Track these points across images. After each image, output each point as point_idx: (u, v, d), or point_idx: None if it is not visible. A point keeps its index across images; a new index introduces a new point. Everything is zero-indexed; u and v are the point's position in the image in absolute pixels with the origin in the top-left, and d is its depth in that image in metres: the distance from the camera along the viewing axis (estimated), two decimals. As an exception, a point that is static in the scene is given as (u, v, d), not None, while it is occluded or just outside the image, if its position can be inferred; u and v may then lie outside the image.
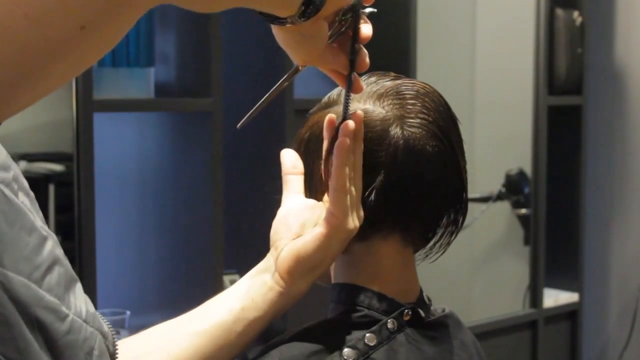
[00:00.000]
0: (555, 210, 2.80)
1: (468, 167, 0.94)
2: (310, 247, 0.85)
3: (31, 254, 0.58)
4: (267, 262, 0.88)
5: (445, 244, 0.94)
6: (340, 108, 0.89)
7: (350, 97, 0.84)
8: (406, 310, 0.89)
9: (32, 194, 0.63)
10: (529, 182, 2.74)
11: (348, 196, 0.83)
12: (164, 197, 2.07)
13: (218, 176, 1.94)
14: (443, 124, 0.90)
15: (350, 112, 0.86)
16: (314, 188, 0.92)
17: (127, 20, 0.53)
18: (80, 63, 0.53)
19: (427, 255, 0.94)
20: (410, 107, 0.89)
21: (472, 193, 2.93)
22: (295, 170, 0.91)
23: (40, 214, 0.63)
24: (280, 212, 0.90)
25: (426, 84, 0.92)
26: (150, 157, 2.10)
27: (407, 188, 0.88)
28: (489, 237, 2.88)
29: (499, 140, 2.84)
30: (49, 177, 1.83)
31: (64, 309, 0.59)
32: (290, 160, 0.91)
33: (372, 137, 0.87)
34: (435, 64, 2.54)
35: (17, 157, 1.83)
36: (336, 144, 0.82)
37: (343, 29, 0.82)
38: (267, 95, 0.87)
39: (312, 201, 0.90)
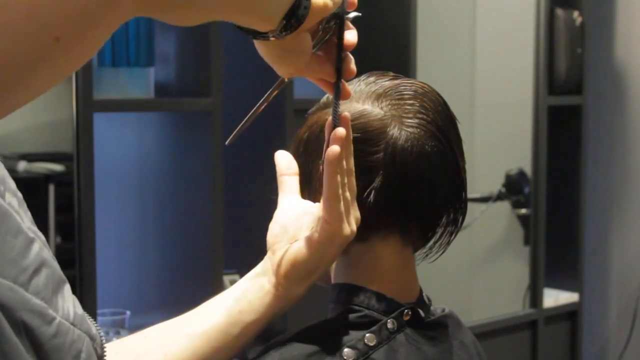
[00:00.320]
0: (555, 210, 2.80)
1: (468, 167, 0.94)
2: (306, 253, 0.85)
3: (17, 257, 0.57)
4: (264, 266, 0.88)
5: (445, 243, 0.94)
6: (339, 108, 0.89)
7: (339, 105, 0.82)
8: (406, 310, 0.89)
9: (19, 194, 0.62)
10: (529, 182, 2.74)
11: (342, 202, 0.82)
12: (164, 197, 2.07)
13: (218, 176, 1.94)
14: (442, 124, 0.90)
15: (347, 112, 0.86)
16: (313, 189, 0.92)
17: (103, 31, 0.52)
18: (56, 74, 0.52)
19: (426, 255, 0.94)
20: (408, 107, 0.89)
21: (472, 193, 2.95)
22: (289, 171, 0.91)
23: (29, 214, 0.63)
24: (277, 215, 0.90)
25: (425, 84, 0.92)
26: (150, 157, 2.10)
27: (406, 188, 0.88)
28: (489, 237, 2.88)
29: (499, 140, 2.84)
30: (49, 177, 1.83)
31: (50, 312, 0.59)
32: (285, 161, 0.91)
33: (371, 138, 0.87)
34: (435, 64, 2.54)
35: (17, 157, 1.83)
36: (326, 153, 0.81)
37: (327, 36, 0.81)
38: (254, 109, 0.86)
39: (308, 203, 0.90)
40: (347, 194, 0.83)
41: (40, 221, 1.78)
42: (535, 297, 2.73)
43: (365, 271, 0.91)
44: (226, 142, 0.87)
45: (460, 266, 2.74)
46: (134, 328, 1.80)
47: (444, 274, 2.42)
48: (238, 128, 0.87)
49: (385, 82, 0.91)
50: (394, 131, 0.87)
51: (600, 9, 2.98)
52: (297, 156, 0.94)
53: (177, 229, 2.04)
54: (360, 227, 0.87)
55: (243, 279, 0.89)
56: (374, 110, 0.89)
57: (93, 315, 1.76)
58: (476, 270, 2.87)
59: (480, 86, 2.79)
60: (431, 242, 0.93)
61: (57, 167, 1.85)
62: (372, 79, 0.92)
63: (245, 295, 0.86)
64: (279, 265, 0.86)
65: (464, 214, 0.94)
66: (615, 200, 3.02)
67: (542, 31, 2.67)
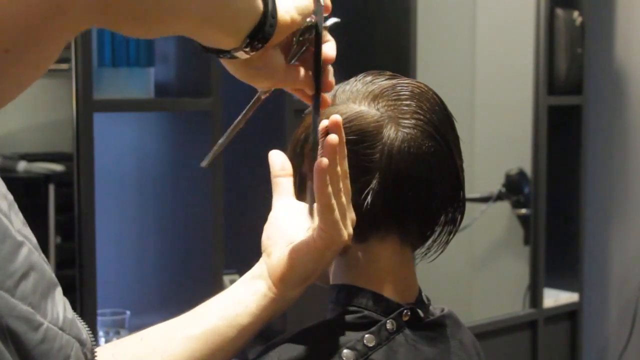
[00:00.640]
0: (555, 210, 2.80)
1: (468, 167, 0.94)
2: (303, 258, 0.84)
3: (3, 262, 0.57)
4: (260, 269, 0.88)
5: (444, 243, 0.93)
6: (335, 109, 0.89)
7: (319, 117, 0.81)
8: (405, 311, 0.89)
9: (10, 196, 0.62)
10: (529, 182, 2.74)
11: (336, 210, 0.82)
12: (164, 197, 2.07)
13: (218, 176, 1.94)
14: (439, 124, 0.89)
15: (343, 114, 0.86)
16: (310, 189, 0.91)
17: (54, 41, 0.52)
18: (12, 86, 0.52)
19: (425, 255, 0.94)
20: (405, 107, 0.89)
21: (472, 193, 2.94)
22: (283, 172, 0.91)
23: (20, 215, 0.62)
24: (272, 217, 0.90)
25: (422, 84, 0.92)
26: (150, 157, 2.10)
27: (403, 189, 0.87)
28: (489, 237, 2.88)
29: (499, 140, 2.84)
30: (49, 177, 1.83)
31: (38, 317, 0.58)
32: (279, 162, 0.91)
33: (367, 139, 0.87)
34: (435, 64, 2.54)
35: (17, 157, 1.83)
36: (315, 165, 0.79)
37: (303, 48, 0.80)
38: (230, 129, 0.85)
39: (302, 204, 0.90)
40: (342, 199, 0.82)
41: (40, 221, 1.79)
42: (535, 297, 2.74)
43: (364, 272, 0.91)
44: (202, 164, 0.86)
45: (460, 266, 2.74)
46: (134, 328, 1.80)
47: (444, 274, 2.42)
48: (214, 148, 0.85)
49: (382, 82, 0.91)
50: (391, 132, 0.87)
51: (600, 9, 2.98)
52: (294, 157, 0.94)
53: (177, 229, 2.04)
54: (359, 228, 0.87)
55: (238, 281, 0.89)
56: (371, 111, 0.89)
57: (93, 315, 1.76)
58: (476, 270, 2.87)
59: (480, 86, 2.79)
60: (430, 242, 0.93)
61: (57, 167, 1.85)
62: (369, 78, 0.92)
63: (242, 299, 0.86)
64: (275, 268, 0.86)
65: (462, 213, 0.94)
66: (615, 200, 3.02)
67: (542, 31, 2.67)
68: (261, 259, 0.89)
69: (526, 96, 2.70)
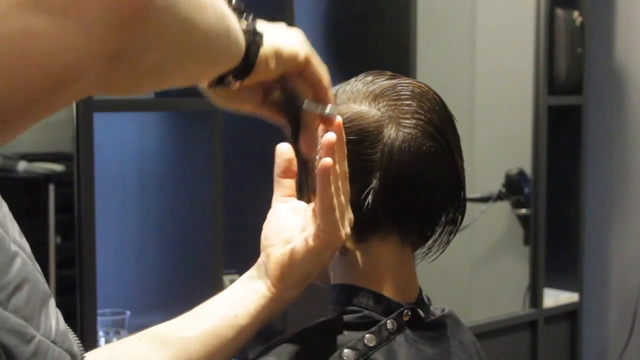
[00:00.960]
0: (555, 210, 2.80)
1: (468, 167, 0.94)
2: (302, 258, 0.84)
3: None
4: (258, 269, 0.88)
5: (444, 243, 0.93)
6: (336, 109, 0.89)
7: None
8: (405, 311, 0.89)
9: (5, 207, 0.62)
10: (529, 182, 2.74)
11: (336, 210, 0.82)
12: (164, 197, 2.07)
13: (218, 176, 1.94)
14: (439, 124, 0.89)
15: (344, 114, 0.87)
16: (311, 186, 0.91)
17: (56, 109, 0.52)
18: (7, 137, 0.52)
19: (426, 255, 0.94)
20: (405, 107, 0.89)
21: (472, 193, 2.94)
22: (287, 172, 0.90)
23: (16, 226, 0.62)
24: (270, 216, 0.89)
25: (422, 84, 0.92)
26: (150, 157, 2.10)
27: (404, 189, 0.87)
28: (489, 237, 2.88)
29: (499, 140, 2.84)
30: (49, 177, 1.83)
31: (30, 330, 0.58)
32: (284, 162, 0.90)
33: (368, 139, 0.87)
34: (435, 64, 2.54)
35: (17, 157, 1.83)
36: (319, 166, 0.80)
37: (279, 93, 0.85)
38: None
39: (301, 204, 0.90)
40: (342, 198, 0.83)
41: (40, 221, 1.79)
42: (535, 297, 2.74)
43: (365, 272, 0.91)
44: None
45: (460, 266, 2.74)
46: (134, 328, 1.80)
47: (444, 274, 2.42)
48: None
49: (382, 82, 0.91)
50: (391, 132, 0.87)
51: (600, 9, 2.98)
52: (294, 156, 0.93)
53: (177, 228, 2.04)
54: (359, 228, 0.87)
55: (237, 281, 0.89)
56: (371, 111, 0.89)
57: (93, 315, 1.76)
58: (476, 270, 2.87)
59: (480, 86, 2.79)
60: (430, 242, 0.93)
61: (57, 167, 1.85)
62: (369, 78, 0.92)
63: (240, 299, 0.86)
64: (274, 269, 0.86)
65: (463, 213, 0.94)
66: (615, 200, 3.02)
67: (542, 31, 2.67)
68: (260, 259, 0.89)
69: (526, 96, 2.70)
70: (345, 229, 0.84)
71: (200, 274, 1.98)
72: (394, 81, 0.91)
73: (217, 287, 1.91)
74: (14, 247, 0.59)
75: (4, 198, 0.62)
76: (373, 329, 0.87)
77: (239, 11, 0.73)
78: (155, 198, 2.10)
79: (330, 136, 0.80)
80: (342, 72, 0.97)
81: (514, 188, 2.77)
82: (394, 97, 0.89)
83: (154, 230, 2.11)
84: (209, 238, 1.95)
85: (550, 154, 2.72)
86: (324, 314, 0.92)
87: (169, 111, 2.04)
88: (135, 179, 2.13)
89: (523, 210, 2.78)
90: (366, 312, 0.88)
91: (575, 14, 2.76)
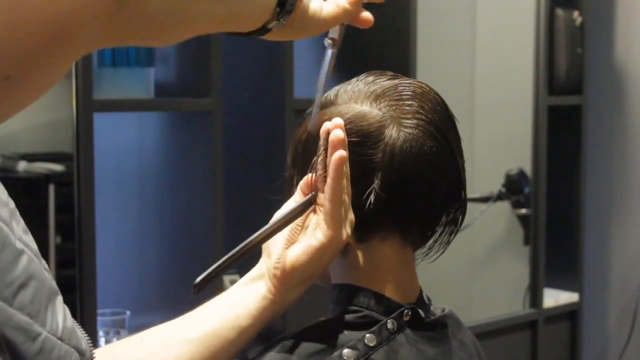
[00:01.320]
0: (555, 210, 2.80)
1: (468, 167, 0.94)
2: (305, 259, 0.84)
3: (1, 271, 0.56)
4: (259, 270, 0.88)
5: (445, 243, 0.94)
6: (337, 109, 0.89)
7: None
8: (406, 311, 0.89)
9: (12, 204, 0.61)
10: (529, 182, 2.74)
11: (342, 207, 0.82)
12: (164, 197, 2.07)
13: (218, 176, 1.94)
14: (440, 124, 0.89)
15: (345, 114, 0.86)
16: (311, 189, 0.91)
17: (59, 67, 0.50)
18: (12, 108, 0.50)
19: (426, 255, 0.94)
20: (407, 107, 0.89)
21: (472, 193, 2.93)
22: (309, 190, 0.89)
23: (22, 223, 0.62)
24: (274, 217, 0.90)
25: (423, 84, 0.92)
26: (150, 157, 2.10)
27: (405, 189, 0.87)
28: (489, 237, 2.88)
29: (499, 140, 2.84)
30: (49, 177, 1.83)
31: (36, 327, 0.58)
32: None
33: (369, 139, 0.87)
34: (435, 64, 2.54)
35: (17, 157, 1.83)
36: (334, 157, 0.81)
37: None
38: (237, 250, 0.83)
39: None
40: (345, 197, 0.83)
41: (40, 221, 1.79)
42: (535, 297, 2.73)
43: (365, 272, 0.91)
44: (195, 287, 0.80)
45: (460, 266, 2.73)
46: (134, 328, 1.80)
47: (444, 274, 2.42)
48: (213, 268, 0.82)
49: (383, 82, 0.91)
50: (392, 132, 0.87)
51: (600, 9, 2.98)
52: (295, 157, 0.93)
53: (177, 229, 2.04)
54: (360, 228, 0.87)
55: (238, 282, 0.89)
56: (372, 111, 0.89)
57: (93, 315, 1.76)
58: (476, 270, 2.86)
59: (480, 86, 2.79)
60: (431, 242, 0.93)
61: (57, 167, 1.85)
62: (370, 78, 0.92)
63: (242, 300, 0.86)
64: (275, 270, 0.86)
65: (463, 214, 0.94)
66: (615, 200, 3.02)
67: (542, 31, 2.67)
68: (261, 260, 0.89)
69: (526, 96, 2.70)
70: (347, 230, 0.84)
71: (200, 274, 1.98)
72: (395, 81, 0.91)
73: (217, 287, 1.91)
74: (19, 245, 0.59)
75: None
76: (373, 328, 0.87)
77: None
78: (155, 198, 2.10)
79: (338, 132, 0.80)
80: (343, 72, 0.97)
81: (514, 188, 2.77)
82: (395, 97, 0.89)
83: (154, 230, 2.11)
84: (209, 238, 1.95)
85: (550, 154, 2.72)
86: (324, 314, 0.92)
87: (169, 111, 2.04)
88: (135, 179, 2.13)
89: (523, 210, 2.78)
90: (366, 312, 0.88)
91: (575, 14, 2.76)
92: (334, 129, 0.82)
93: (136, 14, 0.51)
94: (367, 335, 0.86)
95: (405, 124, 0.88)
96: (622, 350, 2.93)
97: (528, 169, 2.74)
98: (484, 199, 2.74)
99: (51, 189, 1.82)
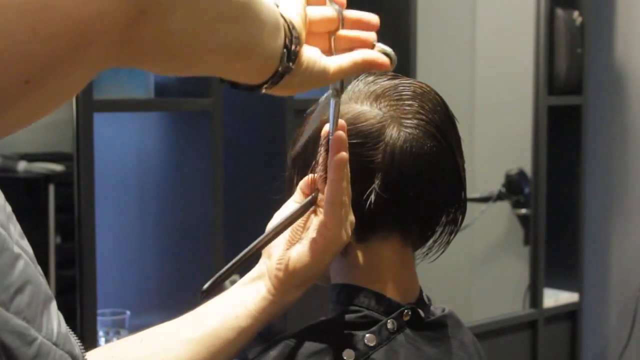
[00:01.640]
0: (555, 210, 2.80)
1: (468, 167, 0.94)
2: (305, 261, 0.84)
3: None
4: (259, 270, 0.88)
5: (445, 242, 0.94)
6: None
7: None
8: (406, 311, 0.89)
9: (8, 208, 0.61)
10: (529, 182, 2.74)
11: (343, 208, 0.82)
12: (164, 197, 2.07)
13: (218, 176, 1.94)
14: (440, 124, 0.89)
15: (345, 114, 0.87)
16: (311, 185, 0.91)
17: (77, 76, 0.50)
18: (29, 115, 0.50)
19: (426, 255, 0.94)
20: (407, 107, 0.89)
21: (472, 193, 2.93)
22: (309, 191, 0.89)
23: (18, 227, 0.61)
24: (275, 216, 0.90)
25: (423, 84, 0.92)
26: (150, 157, 2.10)
27: (405, 189, 0.87)
28: (489, 237, 2.88)
29: (499, 140, 2.84)
30: (49, 177, 1.83)
31: (32, 332, 0.58)
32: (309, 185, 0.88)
33: (369, 140, 0.87)
34: (435, 63, 2.54)
35: (17, 157, 1.83)
36: (335, 159, 0.81)
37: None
38: (245, 252, 0.83)
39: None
40: (345, 199, 0.83)
41: (40, 221, 1.79)
42: (535, 297, 2.73)
43: (365, 272, 0.91)
44: (202, 293, 0.81)
45: (460, 266, 2.74)
46: (134, 328, 1.80)
47: (444, 274, 2.42)
48: (220, 273, 0.82)
49: (384, 82, 0.91)
50: (393, 132, 0.87)
51: (600, 9, 2.98)
52: (296, 157, 0.93)
53: (177, 229, 2.04)
54: (360, 228, 0.87)
55: (238, 283, 0.89)
56: (373, 111, 0.89)
57: (93, 315, 1.76)
58: (476, 270, 2.87)
59: (480, 86, 2.79)
60: (431, 242, 0.93)
61: (57, 167, 1.85)
62: (370, 78, 0.92)
63: (241, 300, 0.86)
64: (275, 270, 0.86)
65: (463, 214, 0.94)
66: (615, 200, 3.02)
67: (542, 31, 2.67)
68: (261, 261, 0.89)
69: (526, 96, 2.70)
70: (347, 231, 0.84)
71: (200, 274, 1.98)
72: (396, 81, 0.91)
73: (217, 288, 1.91)
74: (16, 249, 0.59)
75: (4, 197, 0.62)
76: (373, 328, 0.87)
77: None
78: (155, 198, 2.10)
79: (340, 134, 0.80)
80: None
81: (514, 188, 2.77)
82: (396, 97, 0.89)
83: (154, 230, 2.11)
84: (209, 238, 1.95)
85: (550, 154, 2.72)
86: (324, 314, 0.92)
87: (169, 111, 2.04)
88: (135, 179, 2.13)
89: (523, 210, 2.78)
90: (366, 311, 0.88)
91: (575, 14, 2.76)
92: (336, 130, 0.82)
93: (154, 28, 0.51)
94: (367, 335, 0.86)
95: (405, 124, 0.88)
96: (622, 350, 2.93)
97: (528, 169, 2.74)
98: (484, 199, 2.74)
99: (51, 189, 1.82)
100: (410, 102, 0.89)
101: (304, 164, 0.91)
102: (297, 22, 0.69)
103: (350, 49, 0.76)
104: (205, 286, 0.81)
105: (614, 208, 3.02)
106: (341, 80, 0.79)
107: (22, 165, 1.83)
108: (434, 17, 2.56)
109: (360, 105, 0.89)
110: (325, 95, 0.81)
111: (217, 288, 0.81)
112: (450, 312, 0.96)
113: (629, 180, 2.98)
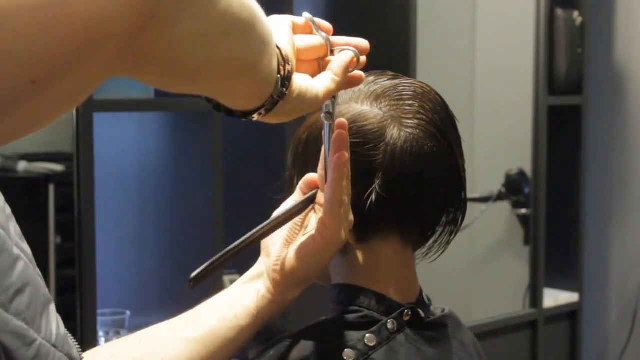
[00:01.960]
0: (555, 210, 2.80)
1: (468, 167, 0.94)
2: (304, 260, 0.84)
3: None
4: (258, 269, 0.88)
5: (445, 243, 0.93)
6: (338, 108, 0.89)
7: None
8: (406, 311, 0.89)
9: (8, 209, 0.61)
10: (529, 182, 2.74)
11: (342, 208, 0.82)
12: (164, 197, 2.07)
13: (218, 176, 1.94)
14: (441, 124, 0.89)
15: (346, 114, 0.86)
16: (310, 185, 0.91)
17: (84, 80, 0.49)
18: (34, 118, 0.50)
19: (426, 255, 0.94)
20: (407, 107, 0.89)
21: (472, 193, 2.94)
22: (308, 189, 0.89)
23: (18, 229, 0.62)
24: (274, 214, 0.89)
25: (424, 84, 0.92)
26: (151, 157, 2.10)
27: (405, 189, 0.87)
28: (489, 237, 2.88)
29: (499, 140, 2.84)
30: (49, 177, 1.83)
31: (32, 333, 0.58)
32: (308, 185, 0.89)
33: (370, 139, 0.87)
34: (435, 64, 2.54)
35: (17, 157, 1.83)
36: (335, 158, 0.81)
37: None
38: (235, 245, 0.82)
39: None
40: (345, 198, 0.83)
41: (40, 221, 1.79)
42: (535, 297, 2.74)
43: (366, 272, 0.91)
44: (190, 282, 0.79)
45: (460, 266, 2.74)
46: (134, 328, 1.80)
47: (444, 274, 2.42)
48: (209, 263, 0.81)
49: (384, 82, 0.91)
50: (393, 132, 0.87)
51: (600, 9, 2.98)
52: (296, 156, 0.93)
53: (177, 228, 2.04)
54: (361, 228, 0.87)
55: (237, 282, 0.89)
56: (373, 111, 0.89)
57: (93, 315, 1.76)
58: (476, 270, 2.87)
59: (480, 86, 2.79)
60: (431, 242, 0.93)
61: (57, 167, 1.85)
62: (371, 78, 0.92)
63: (241, 300, 0.86)
64: (274, 269, 0.86)
65: (463, 214, 0.94)
66: (615, 200, 3.02)
67: (542, 31, 2.67)
68: (260, 259, 0.89)
69: (526, 96, 2.70)
70: (346, 230, 0.84)
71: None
72: (396, 81, 0.91)
73: (217, 287, 1.91)
74: (16, 251, 0.59)
75: (4, 198, 0.62)
76: (373, 328, 0.87)
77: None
78: (155, 198, 2.10)
79: (342, 132, 0.80)
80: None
81: (514, 188, 2.77)
82: (396, 97, 0.89)
83: (154, 230, 2.11)
84: (209, 238, 1.95)
85: (550, 154, 2.72)
86: (324, 313, 0.92)
87: (169, 111, 2.04)
88: (135, 179, 2.13)
89: (523, 210, 2.78)
90: (366, 312, 0.88)
91: (575, 14, 2.76)
92: (337, 129, 0.82)
93: (162, 35, 0.51)
94: (367, 335, 0.86)
95: (406, 124, 0.88)
96: (622, 350, 2.93)
97: (528, 169, 2.74)
98: (484, 199, 2.74)
99: (51, 189, 1.82)
100: (410, 102, 0.89)
101: (304, 163, 0.91)
102: (288, 50, 0.70)
103: None
104: (193, 274, 0.80)
105: (614, 208, 3.02)
106: (332, 102, 0.80)
107: (22, 165, 1.83)
108: (434, 17, 2.56)
109: (361, 105, 0.89)
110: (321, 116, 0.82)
111: (206, 278, 0.81)
112: (450, 312, 0.96)
113: (629, 180, 2.98)
